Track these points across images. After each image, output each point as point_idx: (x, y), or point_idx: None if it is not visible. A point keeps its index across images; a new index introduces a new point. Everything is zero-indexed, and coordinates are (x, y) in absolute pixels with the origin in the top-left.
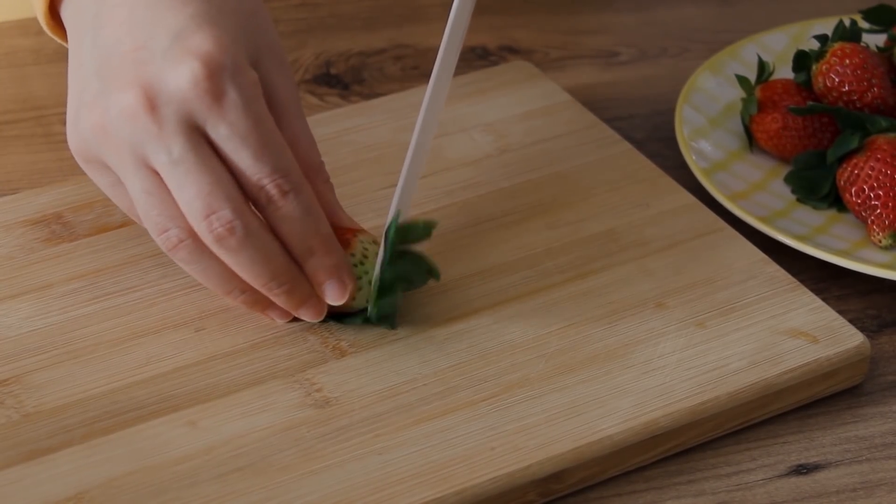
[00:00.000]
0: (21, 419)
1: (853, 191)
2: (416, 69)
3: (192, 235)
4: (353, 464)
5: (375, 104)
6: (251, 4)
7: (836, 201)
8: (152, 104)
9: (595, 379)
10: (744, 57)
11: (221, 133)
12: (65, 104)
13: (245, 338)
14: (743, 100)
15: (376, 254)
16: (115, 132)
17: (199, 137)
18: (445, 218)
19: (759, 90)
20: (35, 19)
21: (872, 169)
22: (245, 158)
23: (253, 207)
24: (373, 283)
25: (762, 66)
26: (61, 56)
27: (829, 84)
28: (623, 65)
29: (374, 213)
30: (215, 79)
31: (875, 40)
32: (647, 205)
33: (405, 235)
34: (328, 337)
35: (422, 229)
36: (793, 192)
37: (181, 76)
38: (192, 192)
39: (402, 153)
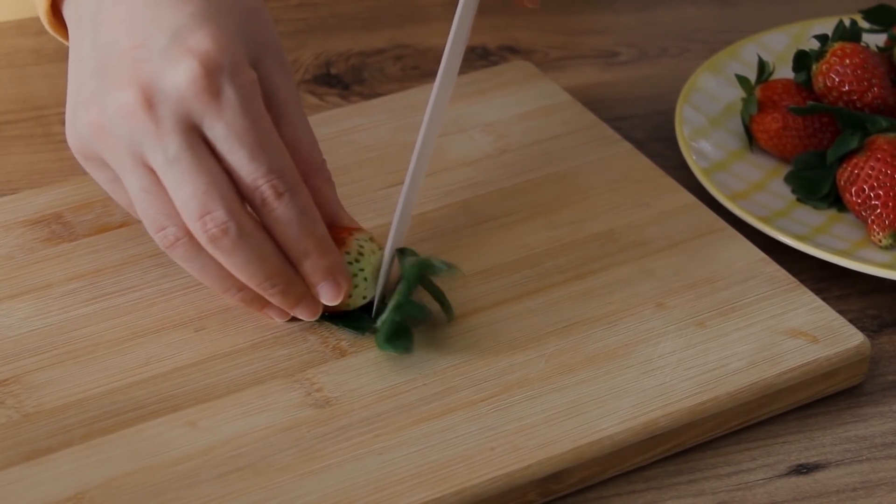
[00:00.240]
0: (21, 419)
1: (853, 191)
2: (416, 69)
3: (189, 234)
4: (353, 464)
5: (375, 104)
6: (251, 2)
7: (836, 201)
8: (150, 103)
9: (595, 379)
10: (744, 57)
11: (218, 132)
12: (65, 104)
13: (245, 338)
14: (743, 100)
15: (373, 251)
16: (113, 130)
17: (195, 137)
18: (445, 218)
19: (759, 90)
20: (35, 19)
21: (872, 169)
22: (240, 158)
23: (249, 208)
24: (383, 320)
25: (762, 66)
26: (61, 56)
27: (829, 84)
28: (623, 65)
29: (374, 213)
30: (213, 78)
31: (875, 40)
32: (647, 205)
33: (426, 272)
34: (328, 337)
35: (445, 270)
36: (793, 192)
37: (179, 75)
38: (187, 191)
39: (402, 153)
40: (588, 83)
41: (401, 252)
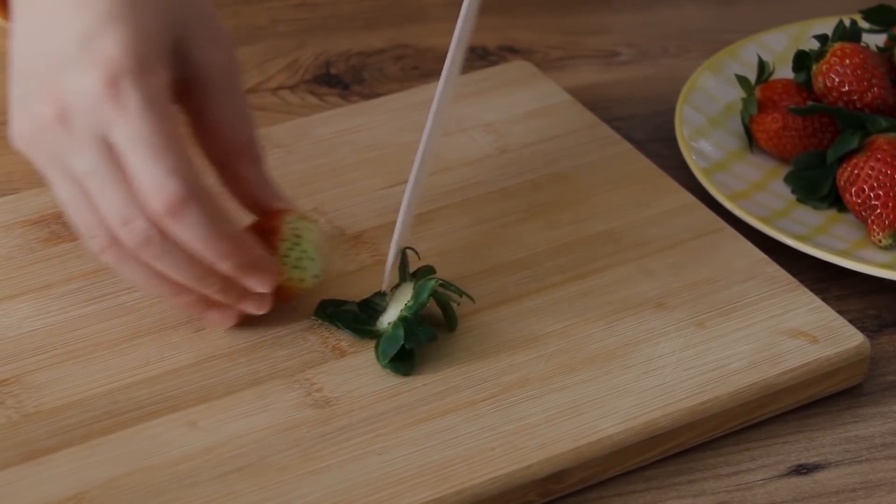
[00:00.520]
0: (21, 419)
1: (853, 191)
2: (416, 69)
3: (117, 241)
4: (353, 464)
5: (375, 104)
6: None
7: (836, 201)
8: (63, 116)
9: (595, 379)
10: (744, 57)
11: (120, 139)
12: None
13: (245, 338)
14: (743, 100)
15: (309, 229)
16: (36, 142)
17: (107, 147)
18: (445, 218)
19: (759, 90)
20: None
21: (872, 169)
22: (139, 164)
23: None
24: (381, 345)
25: (762, 66)
26: None
27: (829, 84)
28: (623, 65)
29: (374, 213)
30: (115, 85)
31: (875, 40)
32: (647, 205)
33: (438, 298)
34: (328, 337)
35: (456, 291)
36: (793, 192)
37: (85, 85)
38: (108, 201)
39: (402, 153)
40: (588, 83)
41: (418, 271)
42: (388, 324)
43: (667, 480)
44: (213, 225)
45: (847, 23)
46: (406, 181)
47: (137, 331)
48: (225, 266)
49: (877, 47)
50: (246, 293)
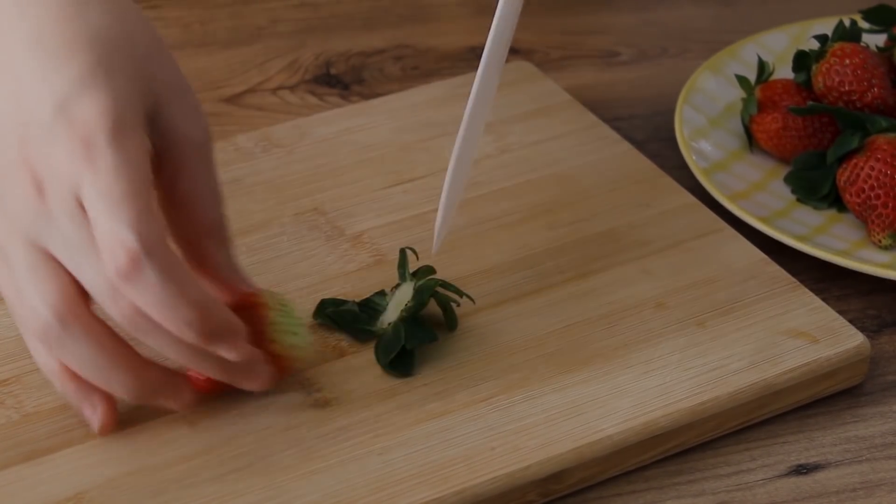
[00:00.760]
0: (21, 419)
1: (853, 191)
2: (416, 69)
3: (79, 317)
4: (353, 464)
5: (375, 104)
6: (147, 48)
7: (836, 201)
8: (40, 188)
9: (595, 379)
10: (744, 57)
11: (89, 195)
12: None
13: None
14: (743, 100)
15: (286, 301)
16: (16, 221)
17: (82, 211)
18: None
19: (759, 90)
20: None
21: (872, 169)
22: (101, 218)
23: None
24: (381, 345)
25: (762, 66)
26: None
27: (829, 84)
28: (623, 65)
29: (374, 213)
30: (90, 146)
31: (875, 40)
32: (647, 205)
33: (438, 298)
34: (328, 337)
35: (456, 291)
36: (793, 192)
37: (62, 155)
38: (84, 273)
39: (402, 153)
40: (588, 83)
41: (418, 271)
42: (388, 324)
43: (667, 480)
44: (172, 287)
45: (847, 23)
46: (405, 181)
47: None
48: (189, 335)
49: (877, 47)
50: (240, 369)
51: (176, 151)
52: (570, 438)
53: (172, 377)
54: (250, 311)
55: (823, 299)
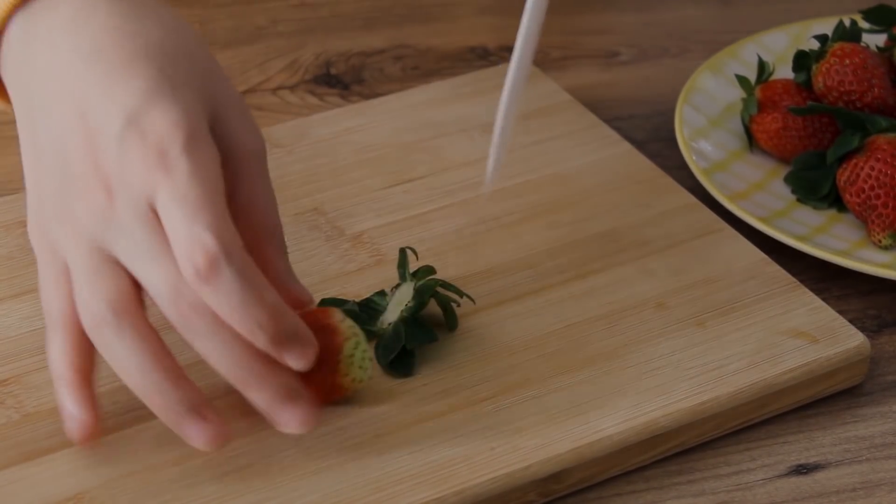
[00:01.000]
0: (21, 419)
1: (853, 191)
2: (416, 69)
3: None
4: (353, 464)
5: (375, 104)
6: (204, 63)
7: (836, 201)
8: (110, 196)
9: (595, 379)
10: (744, 57)
11: (162, 200)
12: None
13: None
14: (743, 100)
15: (356, 326)
16: (81, 227)
17: (154, 218)
18: (445, 218)
19: (759, 90)
20: None
21: (872, 169)
22: (177, 223)
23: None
24: (381, 345)
25: (762, 66)
26: None
27: (829, 84)
28: (623, 65)
29: (374, 213)
30: (165, 156)
31: (875, 40)
32: (647, 205)
33: (439, 298)
34: None
35: (456, 291)
36: (793, 192)
37: (136, 164)
38: (153, 278)
39: (402, 153)
40: (588, 83)
41: (418, 271)
42: (388, 324)
43: (667, 480)
44: (249, 289)
45: (847, 23)
46: (405, 181)
47: None
48: (261, 338)
49: (877, 47)
50: (286, 397)
51: (235, 161)
52: (570, 438)
53: (207, 407)
54: (321, 336)
55: (823, 299)
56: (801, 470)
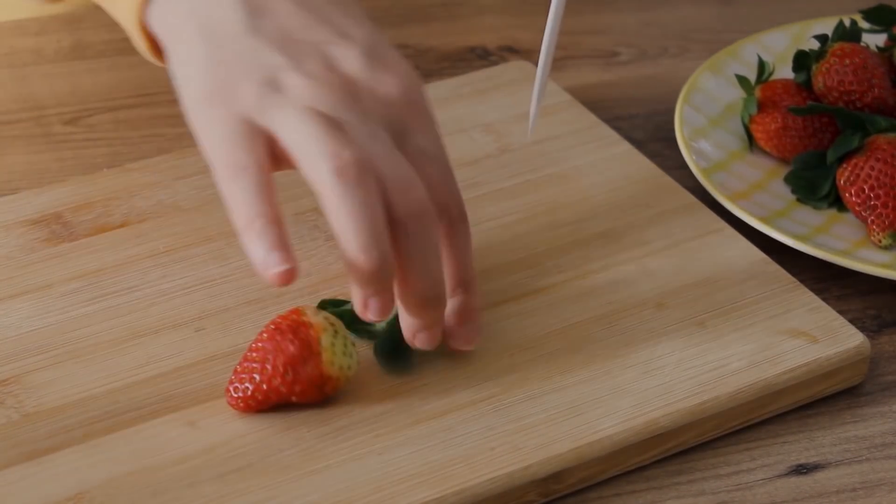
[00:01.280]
0: (21, 419)
1: (853, 191)
2: (416, 69)
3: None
4: (353, 464)
5: None
6: None
7: (836, 201)
8: (349, 85)
9: (595, 379)
10: (744, 57)
11: (422, 143)
12: (64, 104)
13: (245, 338)
14: (743, 100)
15: (339, 324)
16: (308, 97)
17: (391, 132)
18: None
19: (759, 90)
20: (34, 19)
21: (872, 169)
22: (438, 173)
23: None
24: (380, 344)
25: (762, 66)
26: (61, 56)
27: (829, 84)
28: (623, 65)
29: None
30: (414, 95)
31: (875, 40)
32: (647, 205)
33: None
34: None
35: None
36: (793, 192)
37: (390, 87)
38: (392, 166)
39: None
40: (588, 83)
41: None
42: (387, 323)
43: (667, 480)
44: (470, 253)
45: (847, 23)
46: None
47: (137, 331)
48: (459, 296)
49: (877, 47)
50: (438, 321)
51: None
52: (570, 438)
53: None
54: (299, 331)
55: (823, 299)
56: (801, 470)
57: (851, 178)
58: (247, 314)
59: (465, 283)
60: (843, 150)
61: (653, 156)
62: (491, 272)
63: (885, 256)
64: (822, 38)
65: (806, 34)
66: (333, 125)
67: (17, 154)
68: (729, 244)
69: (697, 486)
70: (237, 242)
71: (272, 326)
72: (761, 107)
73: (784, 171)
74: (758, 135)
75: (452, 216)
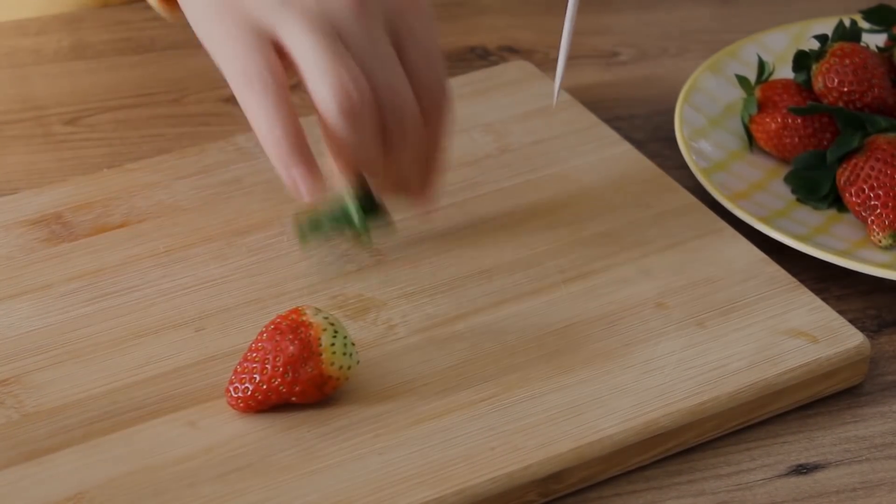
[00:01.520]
0: (21, 419)
1: (853, 191)
2: None
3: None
4: (353, 464)
5: None
6: None
7: (836, 201)
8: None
9: (595, 379)
10: (744, 57)
11: (415, 35)
12: (64, 104)
13: (245, 338)
14: (743, 100)
15: (338, 323)
16: (322, 9)
17: (390, 32)
18: (445, 218)
19: (759, 90)
20: (34, 19)
21: (872, 169)
22: (424, 59)
23: None
24: (355, 216)
25: (762, 66)
26: (61, 56)
27: (829, 84)
28: (623, 65)
29: None
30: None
31: (875, 40)
32: (647, 205)
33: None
34: None
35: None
36: (793, 192)
37: None
38: (387, 75)
39: None
40: (588, 83)
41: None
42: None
43: (667, 480)
44: (442, 137)
45: (847, 23)
46: None
47: (137, 331)
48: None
49: (877, 47)
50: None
51: None
52: (570, 438)
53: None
54: (299, 331)
55: (823, 299)
56: (801, 470)
57: (851, 178)
58: (247, 314)
59: (434, 158)
60: (843, 150)
61: (653, 156)
62: (491, 272)
63: (885, 256)
64: (822, 38)
65: (806, 34)
66: (338, 42)
67: (17, 154)
68: (729, 244)
69: (697, 486)
70: (237, 242)
71: (272, 326)
72: (761, 107)
73: (784, 171)
74: (758, 135)
75: (437, 99)
